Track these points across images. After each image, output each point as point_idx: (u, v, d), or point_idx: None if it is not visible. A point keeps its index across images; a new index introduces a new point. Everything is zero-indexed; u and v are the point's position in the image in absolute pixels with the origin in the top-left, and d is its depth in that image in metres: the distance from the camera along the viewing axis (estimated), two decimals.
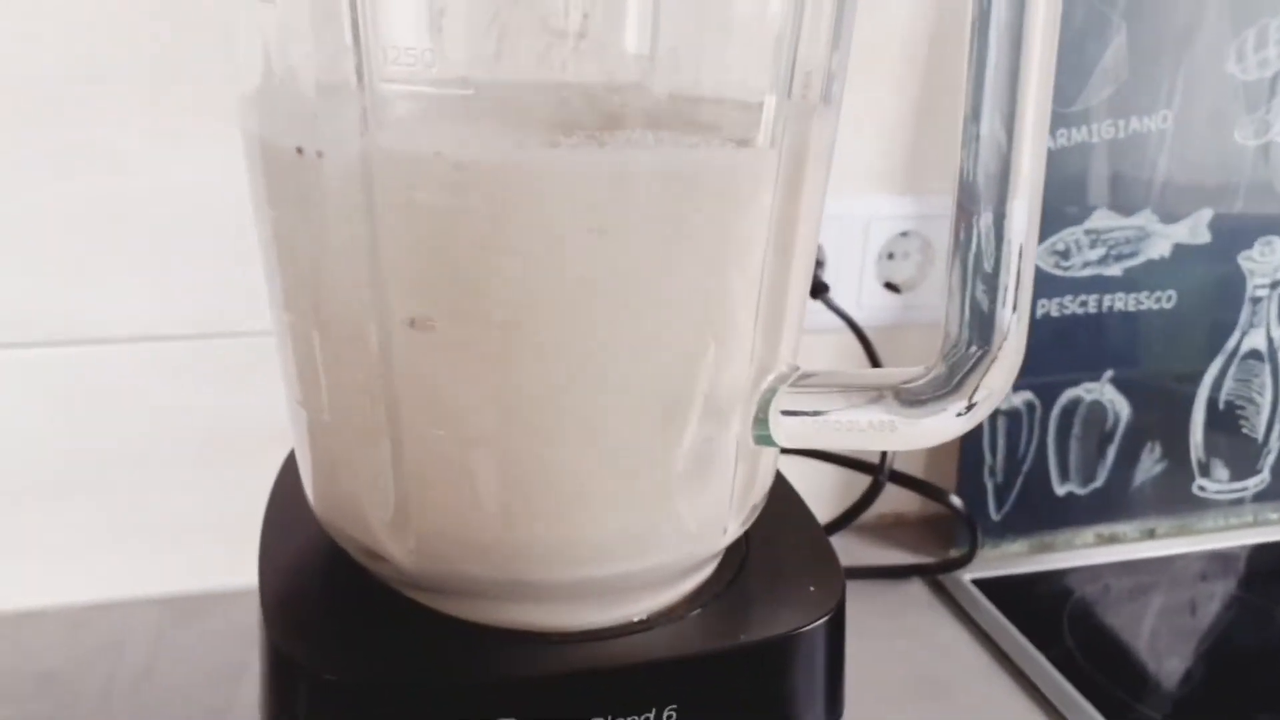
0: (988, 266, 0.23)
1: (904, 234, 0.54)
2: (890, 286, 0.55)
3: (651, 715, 0.23)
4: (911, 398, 0.22)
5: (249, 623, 0.50)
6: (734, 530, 0.25)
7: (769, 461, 0.26)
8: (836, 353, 0.55)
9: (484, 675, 0.23)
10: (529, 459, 0.22)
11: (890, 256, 0.55)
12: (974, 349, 0.22)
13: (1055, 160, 0.52)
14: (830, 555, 0.27)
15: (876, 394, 0.22)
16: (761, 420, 0.23)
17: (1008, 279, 0.22)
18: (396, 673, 0.22)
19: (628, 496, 0.23)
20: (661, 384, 0.22)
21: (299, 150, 0.20)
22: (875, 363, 0.53)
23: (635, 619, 0.25)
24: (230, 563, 0.51)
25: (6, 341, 0.46)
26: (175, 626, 0.49)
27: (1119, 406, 0.57)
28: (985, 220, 0.23)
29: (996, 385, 0.22)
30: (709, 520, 0.24)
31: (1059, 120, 0.52)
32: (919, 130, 0.53)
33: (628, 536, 0.23)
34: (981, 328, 0.22)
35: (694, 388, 0.22)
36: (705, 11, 0.28)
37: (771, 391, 0.23)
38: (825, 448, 0.24)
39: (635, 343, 0.21)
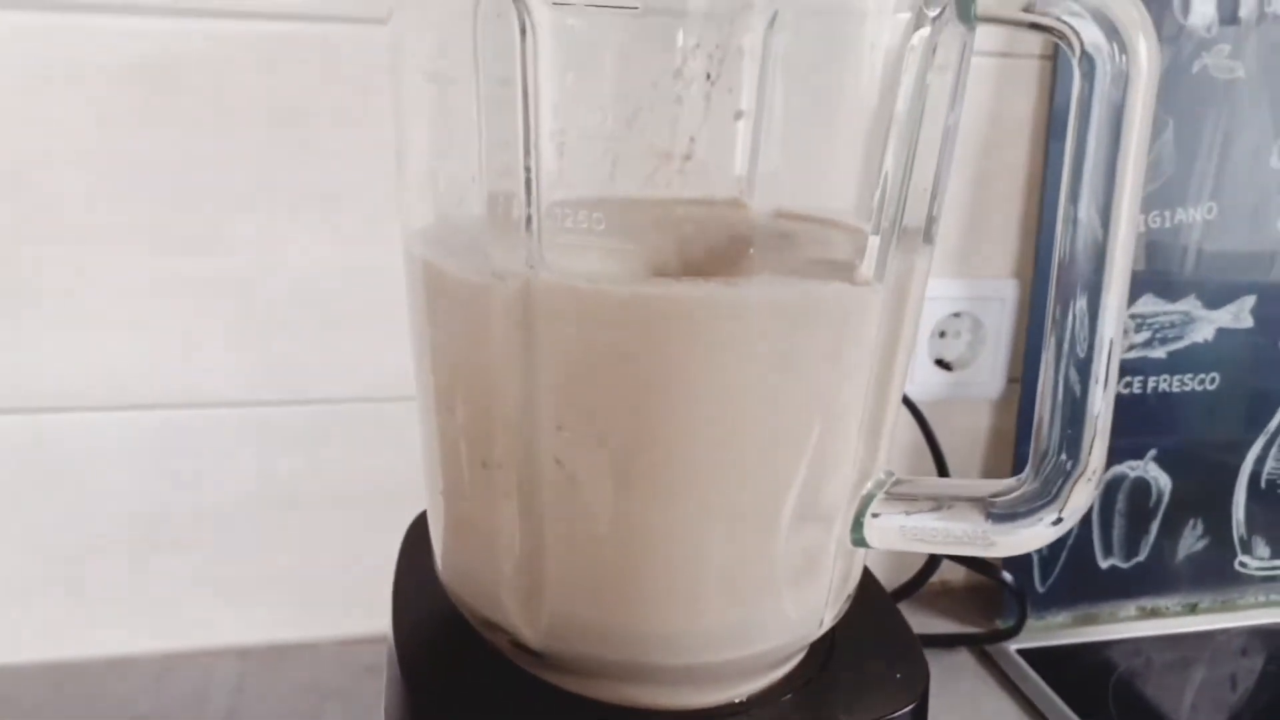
0: (1080, 351, 0.24)
1: (956, 314, 0.57)
2: (941, 363, 0.58)
3: None
4: (1005, 510, 0.24)
5: (323, 674, 0.52)
6: (829, 621, 0.27)
7: (861, 557, 0.28)
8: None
9: None
10: (656, 557, 0.24)
11: (942, 335, 0.57)
12: (1065, 458, 0.24)
13: None
14: (912, 642, 0.30)
15: (968, 505, 0.25)
16: (859, 524, 0.26)
17: (1099, 367, 0.23)
18: None
19: (741, 592, 0.25)
20: (775, 494, 0.24)
21: (468, 279, 0.23)
22: (927, 432, 0.55)
23: (736, 700, 0.27)
24: (306, 616, 0.54)
25: (110, 404, 0.49)
26: (255, 676, 0.52)
27: (1162, 483, 0.59)
28: (1080, 305, 0.23)
29: (1082, 501, 0.24)
30: (809, 613, 0.27)
31: None
32: (971, 217, 0.55)
33: (738, 627, 0.25)
34: (1073, 413, 0.23)
35: (803, 497, 0.25)
36: (807, 145, 0.31)
37: (870, 497, 0.26)
38: (918, 551, 0.26)
39: (753, 458, 0.24)
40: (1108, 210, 0.22)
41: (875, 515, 0.26)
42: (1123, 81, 0.21)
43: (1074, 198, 0.23)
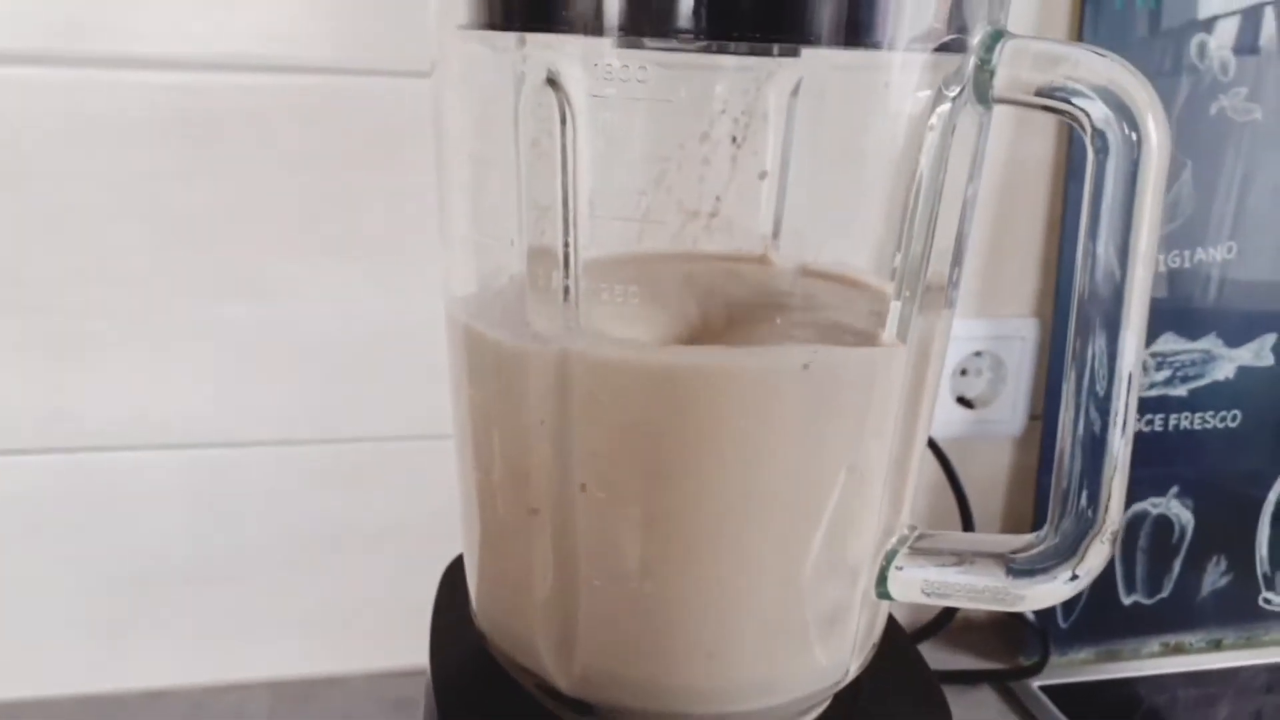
0: (1100, 389, 0.24)
1: (977, 353, 0.57)
2: (963, 401, 0.58)
3: None
4: (1025, 566, 0.25)
5: (354, 708, 0.53)
6: (854, 670, 0.28)
7: (885, 607, 0.29)
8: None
9: None
10: (685, 612, 0.25)
11: (963, 373, 0.58)
12: (1084, 508, 0.24)
13: None
14: (934, 684, 0.30)
15: (989, 560, 0.26)
16: (884, 578, 0.27)
17: (1118, 403, 0.24)
18: None
19: (769, 645, 0.26)
20: (802, 551, 0.25)
21: (507, 345, 0.24)
22: (949, 471, 0.55)
23: None
24: (337, 651, 0.55)
25: (150, 443, 0.50)
26: (287, 709, 0.53)
27: (1184, 520, 0.59)
28: (1099, 343, 0.24)
29: (1098, 561, 0.25)
30: (835, 663, 0.27)
31: None
32: (992, 257, 0.56)
33: (766, 679, 0.26)
34: (1093, 452, 0.24)
35: (829, 553, 0.25)
36: (828, 205, 0.32)
37: (894, 552, 0.27)
38: (941, 605, 0.27)
39: (780, 517, 0.25)
40: (1123, 273, 0.23)
41: (899, 569, 0.27)
42: (1134, 159, 0.22)
43: (1090, 265, 0.24)
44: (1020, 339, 0.57)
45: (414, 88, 0.48)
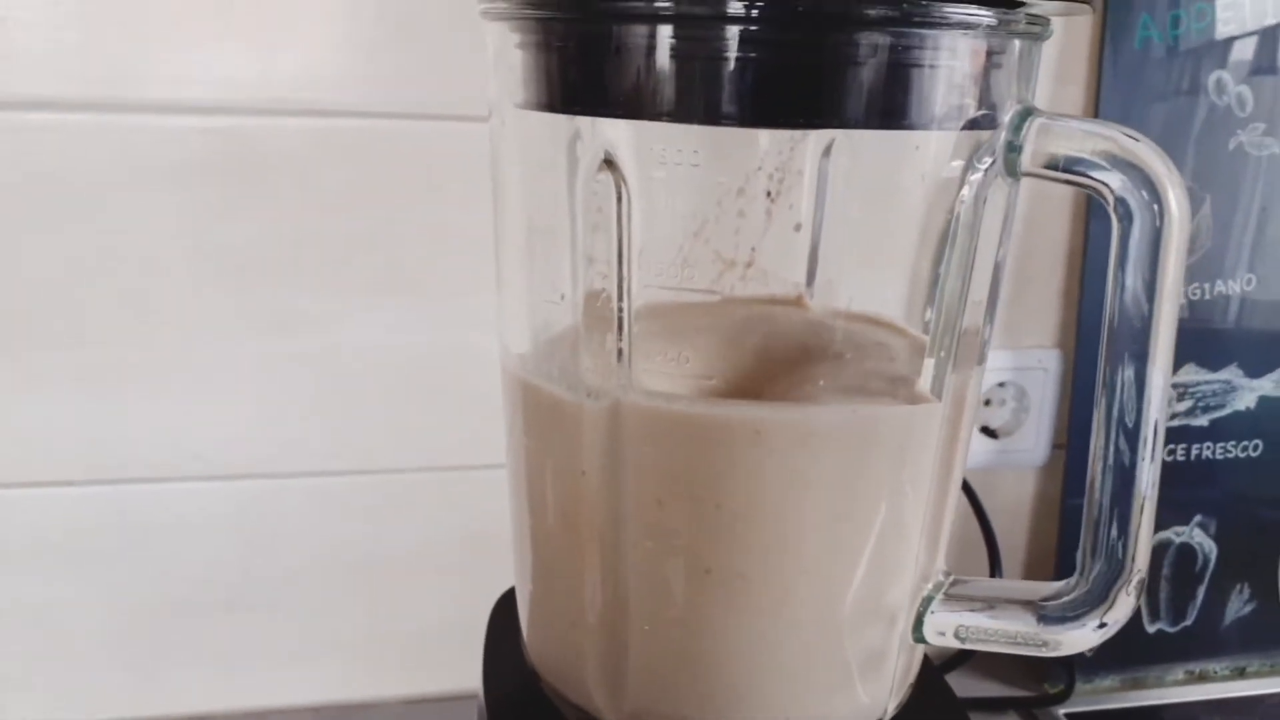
0: (1129, 421, 0.25)
1: (1001, 384, 0.58)
2: (987, 431, 0.59)
3: None
4: (1056, 614, 0.26)
5: None
6: (893, 709, 0.29)
7: (921, 649, 0.30)
8: None
9: None
10: (730, 655, 0.26)
11: (988, 403, 0.59)
12: (1115, 546, 0.25)
13: None
14: (963, 716, 0.31)
15: (1021, 607, 0.27)
16: (920, 623, 0.28)
17: (1147, 430, 0.25)
18: None
19: (811, 687, 0.27)
20: (843, 598, 0.26)
21: (564, 400, 0.26)
22: (974, 501, 0.56)
23: None
24: (373, 677, 0.56)
25: (190, 475, 0.52)
26: None
27: (1208, 549, 0.60)
28: (1128, 373, 0.25)
29: (1124, 612, 0.26)
30: (874, 703, 0.28)
31: None
32: (1015, 289, 0.57)
33: (810, 719, 0.27)
34: (1122, 482, 0.25)
35: (869, 600, 0.27)
36: (860, 257, 0.33)
37: (929, 598, 0.28)
38: (976, 649, 0.28)
39: (821, 565, 0.26)
40: (1146, 355, 0.24)
41: (934, 614, 0.28)
42: (1156, 228, 0.24)
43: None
44: (1043, 370, 0.58)
45: (452, 129, 0.49)
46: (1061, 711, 0.56)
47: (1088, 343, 0.57)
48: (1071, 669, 0.55)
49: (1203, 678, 0.61)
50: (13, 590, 0.51)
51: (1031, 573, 0.62)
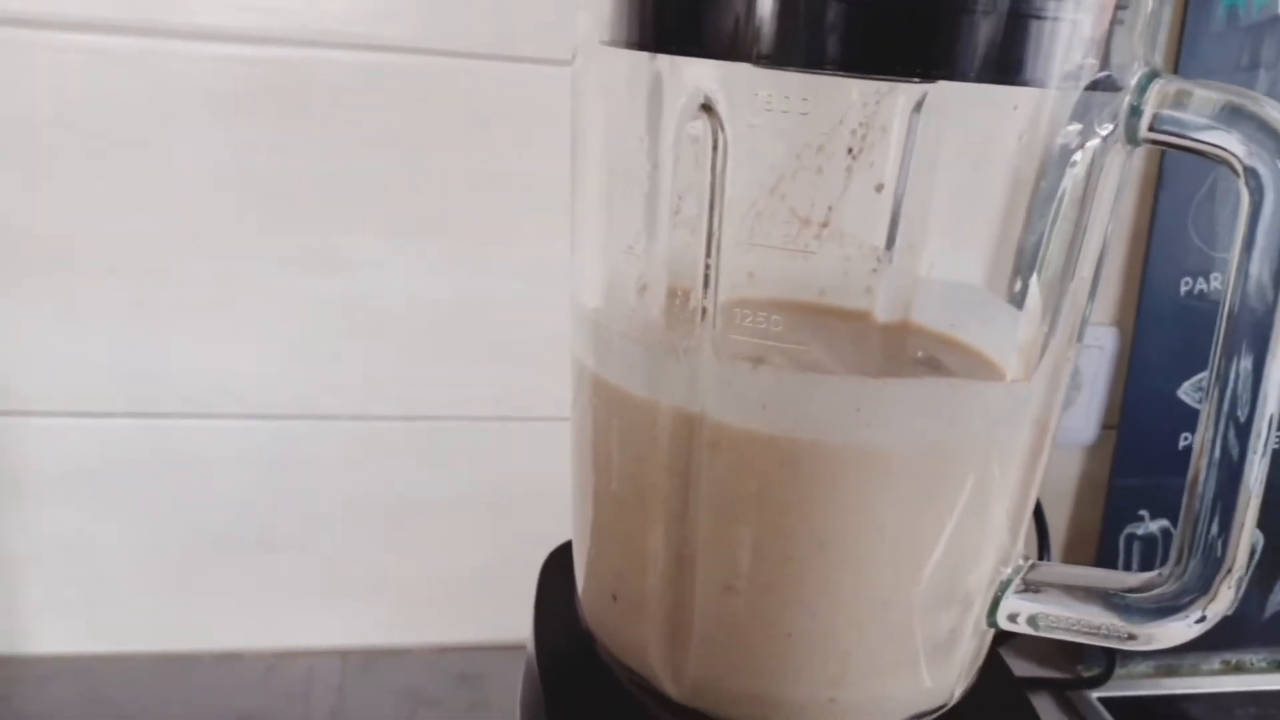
0: (1241, 415, 0.24)
1: None
2: None
3: None
4: (1146, 605, 0.25)
5: (417, 680, 0.54)
6: (959, 694, 0.28)
7: (991, 634, 0.29)
8: None
9: None
10: (802, 634, 0.25)
11: None
12: (1215, 539, 0.24)
13: (1207, 301, 0.54)
14: (1029, 711, 0.30)
15: (1103, 596, 0.25)
16: (995, 608, 0.27)
17: (1260, 425, 0.23)
18: None
19: (880, 668, 0.26)
20: (921, 581, 0.25)
21: (640, 357, 0.24)
22: None
23: None
24: (402, 622, 0.56)
25: (228, 412, 0.51)
26: (354, 677, 0.54)
27: (1255, 539, 0.58)
28: (1244, 365, 0.23)
29: (1224, 605, 0.24)
30: (942, 687, 0.27)
31: (1206, 263, 0.54)
32: None
33: (875, 699, 0.26)
34: (1229, 478, 0.24)
35: (948, 583, 0.25)
36: (944, 224, 0.32)
37: (1007, 583, 0.27)
38: (1050, 636, 0.27)
39: (904, 549, 0.25)
40: (1266, 346, 0.23)
41: (1010, 599, 0.26)
42: None
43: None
44: (1098, 348, 0.57)
45: (503, 70, 0.48)
46: (1095, 696, 0.56)
47: (1150, 322, 0.55)
48: (1111, 653, 0.54)
49: (1239, 668, 0.60)
50: (48, 520, 0.51)
51: (1070, 554, 0.61)
